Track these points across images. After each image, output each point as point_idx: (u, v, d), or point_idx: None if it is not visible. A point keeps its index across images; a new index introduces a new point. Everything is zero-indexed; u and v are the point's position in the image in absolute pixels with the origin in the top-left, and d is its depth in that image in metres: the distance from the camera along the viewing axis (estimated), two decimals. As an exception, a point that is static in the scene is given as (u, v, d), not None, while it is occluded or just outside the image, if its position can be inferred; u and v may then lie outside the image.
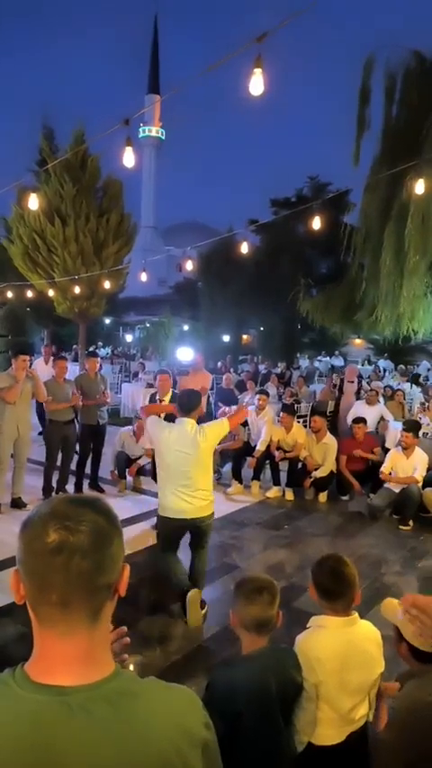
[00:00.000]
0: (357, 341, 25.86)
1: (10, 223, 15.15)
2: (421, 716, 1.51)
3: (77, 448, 6.55)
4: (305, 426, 7.93)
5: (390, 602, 1.83)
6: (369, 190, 10.34)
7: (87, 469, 6.65)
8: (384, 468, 6.26)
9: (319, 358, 26.47)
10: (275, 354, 22.28)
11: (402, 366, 19.61)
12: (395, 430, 7.26)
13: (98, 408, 6.56)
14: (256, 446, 7.10)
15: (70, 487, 6.45)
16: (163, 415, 4.33)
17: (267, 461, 7.17)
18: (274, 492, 6.97)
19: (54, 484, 6.32)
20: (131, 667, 1.07)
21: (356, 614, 2.00)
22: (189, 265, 12.48)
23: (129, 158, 5.11)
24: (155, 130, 78.62)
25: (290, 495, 6.91)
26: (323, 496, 6.89)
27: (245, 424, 7.57)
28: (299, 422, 7.78)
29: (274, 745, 1.82)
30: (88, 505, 0.83)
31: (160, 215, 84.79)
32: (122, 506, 5.85)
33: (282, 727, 1.83)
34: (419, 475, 6.07)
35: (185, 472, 3.66)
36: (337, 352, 26.55)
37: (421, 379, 17.29)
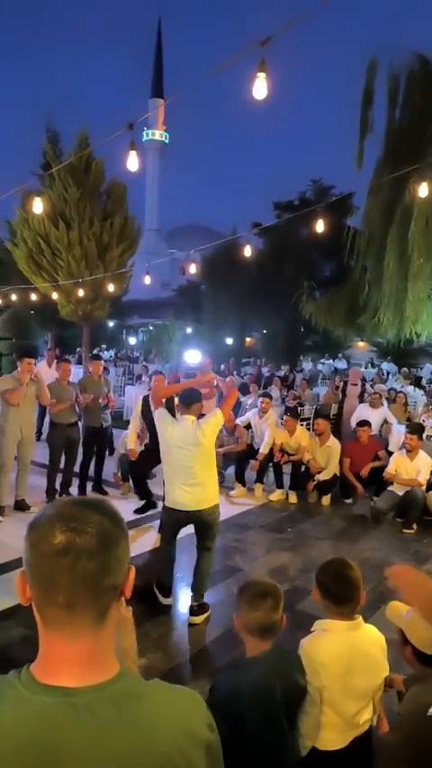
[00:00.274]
0: (360, 344, 25.84)
1: (14, 226, 15.20)
2: (425, 719, 1.51)
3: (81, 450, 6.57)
4: (308, 429, 7.92)
5: (395, 605, 1.83)
6: (372, 193, 10.35)
7: (91, 472, 6.66)
8: (389, 469, 6.25)
9: (322, 361, 26.43)
10: (279, 357, 22.27)
11: (406, 369, 19.57)
12: (398, 433, 7.25)
13: (101, 411, 6.58)
14: (259, 449, 7.10)
15: (74, 490, 6.46)
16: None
17: (270, 464, 7.17)
18: (277, 495, 6.96)
19: (57, 486, 6.34)
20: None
21: (360, 618, 1.99)
22: (192, 268, 12.48)
23: (133, 162, 5.14)
24: (158, 134, 78.92)
25: (293, 498, 6.90)
26: (326, 499, 6.88)
27: (248, 426, 7.58)
28: (302, 425, 7.77)
29: (277, 749, 1.81)
30: (94, 507, 0.83)
31: (164, 218, 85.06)
32: (126, 509, 5.85)
33: (286, 731, 1.82)
34: (423, 478, 6.05)
35: (189, 468, 3.78)
36: (340, 355, 26.51)
37: (424, 382, 17.23)
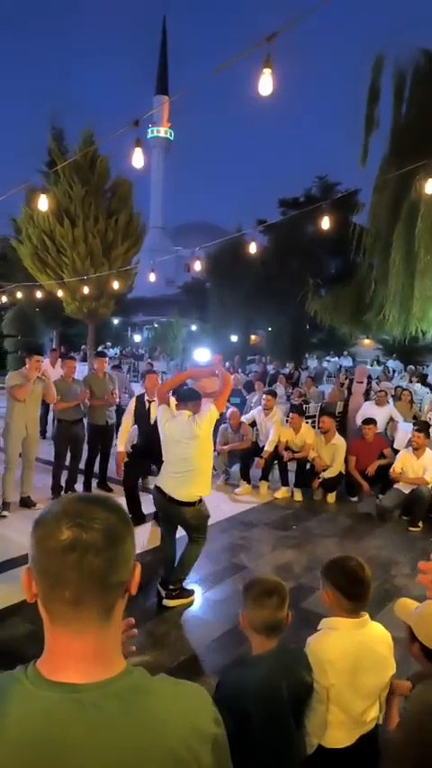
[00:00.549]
0: (366, 341, 25.75)
1: (19, 224, 15.25)
2: (429, 718, 1.50)
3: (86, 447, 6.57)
4: (314, 427, 7.90)
5: (403, 602, 1.82)
6: (378, 190, 10.31)
7: (96, 469, 6.67)
8: (395, 467, 6.23)
9: (327, 358, 26.41)
10: (284, 355, 22.25)
11: (412, 366, 19.50)
12: (404, 431, 7.22)
13: (106, 408, 6.58)
14: (264, 446, 7.09)
15: (79, 487, 6.48)
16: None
17: (276, 462, 7.16)
18: (282, 492, 6.95)
19: (63, 483, 6.36)
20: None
21: (367, 615, 1.98)
22: (197, 266, 12.50)
23: (138, 159, 5.13)
24: (164, 131, 78.71)
25: (298, 496, 6.89)
26: (332, 497, 6.87)
27: (253, 424, 7.56)
28: (307, 422, 7.75)
29: (283, 747, 1.80)
30: (100, 504, 0.83)
31: (169, 215, 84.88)
32: (131, 506, 5.85)
33: (292, 729, 1.82)
34: (430, 476, 6.03)
35: (184, 459, 3.93)
36: (345, 353, 26.47)
37: (430, 380, 17.15)
